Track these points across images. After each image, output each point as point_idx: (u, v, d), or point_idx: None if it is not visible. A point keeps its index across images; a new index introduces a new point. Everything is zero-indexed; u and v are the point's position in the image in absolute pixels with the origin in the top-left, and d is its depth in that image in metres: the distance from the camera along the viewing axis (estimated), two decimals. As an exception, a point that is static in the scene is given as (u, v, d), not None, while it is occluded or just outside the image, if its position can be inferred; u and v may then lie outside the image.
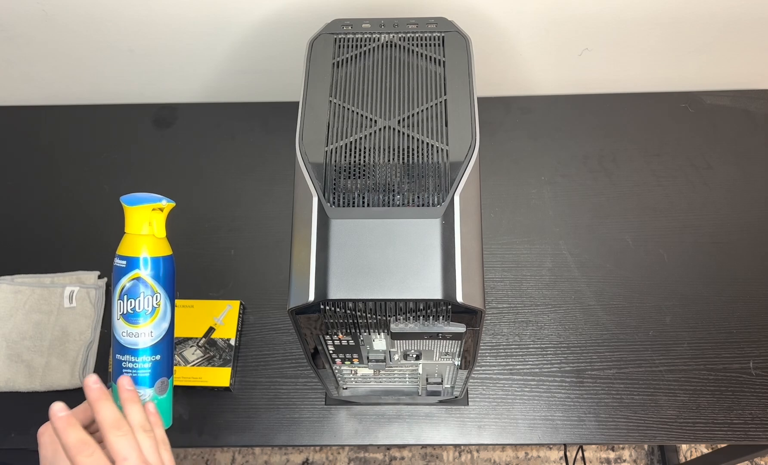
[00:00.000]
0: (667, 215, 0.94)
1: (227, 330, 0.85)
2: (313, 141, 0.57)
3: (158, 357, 0.60)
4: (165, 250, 0.61)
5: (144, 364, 0.60)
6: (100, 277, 0.90)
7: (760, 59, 1.02)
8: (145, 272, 0.59)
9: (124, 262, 0.59)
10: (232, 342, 0.84)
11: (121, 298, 0.59)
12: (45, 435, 0.56)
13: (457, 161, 0.55)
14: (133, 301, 0.58)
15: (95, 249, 0.93)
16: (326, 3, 0.88)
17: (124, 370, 0.60)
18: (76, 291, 0.88)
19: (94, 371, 0.84)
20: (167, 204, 0.60)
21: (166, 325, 0.60)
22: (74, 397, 0.83)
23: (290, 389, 0.84)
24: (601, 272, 0.90)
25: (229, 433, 0.81)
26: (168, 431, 0.60)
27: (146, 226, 0.59)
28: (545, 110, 1.04)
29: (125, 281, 0.58)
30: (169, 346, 0.62)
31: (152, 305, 0.59)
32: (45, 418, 0.85)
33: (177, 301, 0.86)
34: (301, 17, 0.91)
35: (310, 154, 0.56)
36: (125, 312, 0.59)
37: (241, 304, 0.87)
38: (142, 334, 0.59)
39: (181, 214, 0.96)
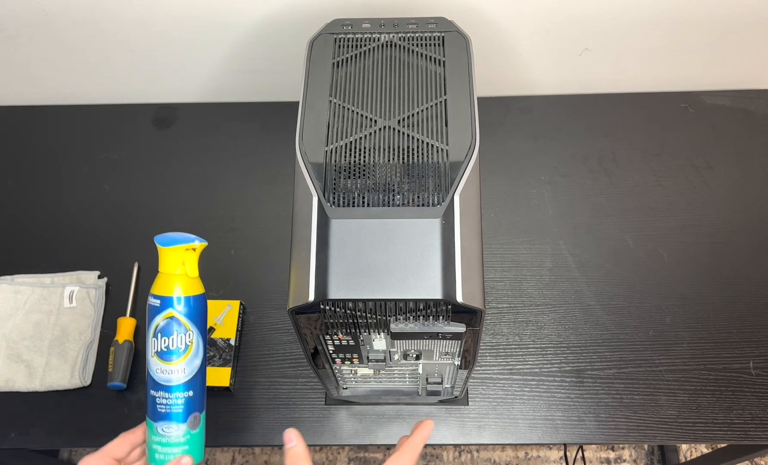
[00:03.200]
0: (667, 215, 0.94)
1: (227, 330, 0.85)
2: (313, 141, 0.57)
3: (191, 393, 0.61)
4: (197, 288, 0.62)
5: (177, 400, 0.61)
6: (100, 277, 0.90)
7: (760, 59, 1.01)
8: (178, 311, 0.60)
9: (158, 301, 0.60)
10: (232, 342, 0.84)
11: (155, 335, 0.60)
12: None
13: (457, 161, 0.55)
14: (166, 339, 0.60)
15: (95, 249, 0.93)
16: (326, 3, 0.88)
17: (158, 406, 0.61)
18: (76, 291, 0.88)
19: (93, 371, 0.84)
20: (200, 244, 0.61)
21: (198, 361, 0.62)
22: (74, 397, 0.83)
23: (290, 389, 0.84)
24: (601, 272, 0.90)
25: (229, 433, 0.81)
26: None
27: (179, 266, 0.60)
28: (545, 110, 1.04)
29: (159, 320, 0.60)
30: (202, 381, 0.63)
31: (185, 343, 0.60)
32: (45, 418, 0.85)
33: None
34: (301, 17, 0.91)
35: (310, 154, 0.56)
36: (159, 349, 0.60)
37: (241, 304, 0.87)
38: (175, 371, 0.60)
39: (182, 214, 0.97)
